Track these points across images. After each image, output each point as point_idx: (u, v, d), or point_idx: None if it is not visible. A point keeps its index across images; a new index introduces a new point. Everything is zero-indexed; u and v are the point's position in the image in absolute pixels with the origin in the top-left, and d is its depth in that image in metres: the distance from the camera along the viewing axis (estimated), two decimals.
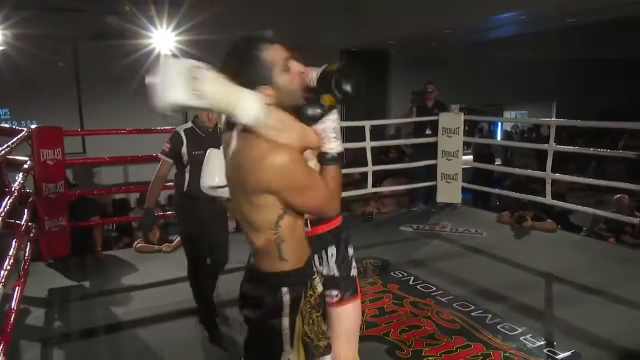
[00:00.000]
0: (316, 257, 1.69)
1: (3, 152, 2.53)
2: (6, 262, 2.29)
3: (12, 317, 2.38)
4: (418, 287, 3.43)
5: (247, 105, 1.16)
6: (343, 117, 8.25)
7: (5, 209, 2.24)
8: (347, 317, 1.75)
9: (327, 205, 1.29)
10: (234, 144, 1.28)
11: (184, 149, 2.74)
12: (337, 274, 1.73)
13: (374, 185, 5.30)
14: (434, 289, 3.38)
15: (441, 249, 4.28)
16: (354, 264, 1.78)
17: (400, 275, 3.64)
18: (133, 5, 6.02)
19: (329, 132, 1.30)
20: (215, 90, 1.15)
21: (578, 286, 3.39)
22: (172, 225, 5.30)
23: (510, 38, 8.22)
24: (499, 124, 10.93)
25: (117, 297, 3.46)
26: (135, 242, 4.45)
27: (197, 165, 2.56)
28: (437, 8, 6.13)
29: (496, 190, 5.62)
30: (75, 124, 6.24)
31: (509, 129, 10.86)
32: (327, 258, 1.73)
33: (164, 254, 4.24)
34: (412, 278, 3.58)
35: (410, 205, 5.86)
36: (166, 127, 5.94)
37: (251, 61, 1.22)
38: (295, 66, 1.30)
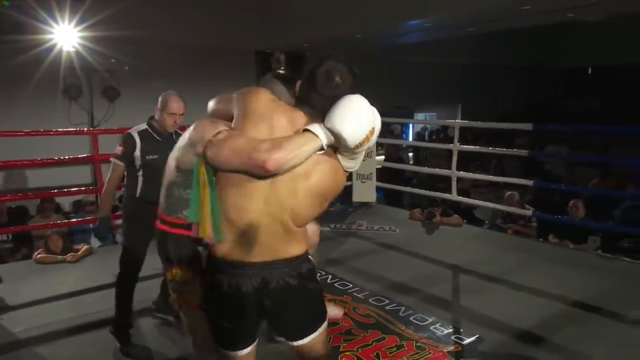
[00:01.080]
0: None
1: None
2: None
3: None
4: (336, 285, 3.50)
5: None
6: None
7: None
8: None
9: None
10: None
11: (137, 152, 2.61)
12: None
13: None
14: (351, 285, 3.47)
15: (357, 247, 4.40)
16: None
17: (319, 275, 3.66)
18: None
19: None
20: None
21: (482, 276, 3.65)
22: (78, 233, 4.97)
23: (419, 43, 8.65)
24: (410, 125, 11.45)
25: (15, 313, 3.17)
26: (36, 253, 4.11)
27: (150, 169, 2.56)
28: (349, 13, 6.30)
29: (407, 189, 5.89)
30: None
31: (420, 131, 11.40)
32: None
33: (68, 264, 3.95)
34: (330, 277, 3.65)
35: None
36: (69, 129, 5.57)
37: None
38: None
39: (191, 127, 1.79)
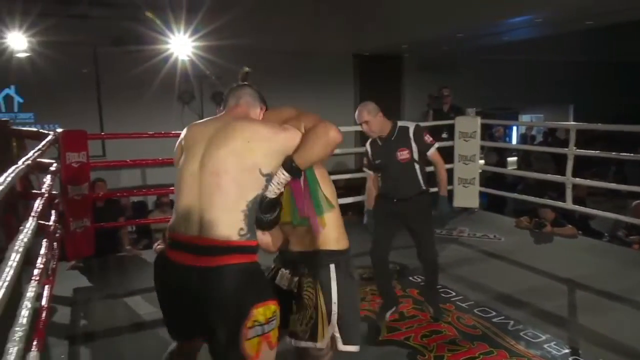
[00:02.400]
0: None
1: (35, 155, 2.57)
2: (38, 261, 2.33)
3: (44, 315, 2.42)
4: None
5: None
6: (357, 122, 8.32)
7: (38, 211, 2.28)
8: None
9: None
10: None
11: (370, 159, 3.06)
12: None
13: None
14: (454, 294, 3.36)
15: (459, 254, 4.25)
16: None
17: (420, 280, 3.62)
18: (151, 11, 6.11)
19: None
20: None
21: (601, 293, 3.34)
22: None
23: (525, 40, 8.16)
24: (514, 128, 10.84)
25: (139, 297, 3.49)
26: (156, 244, 4.48)
27: (380, 171, 3.04)
28: (449, 12, 6.10)
29: (515, 195, 5.55)
30: (95, 128, 6.32)
31: (526, 133, 10.75)
32: None
33: None
34: None
35: None
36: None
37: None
38: None
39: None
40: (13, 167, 2.06)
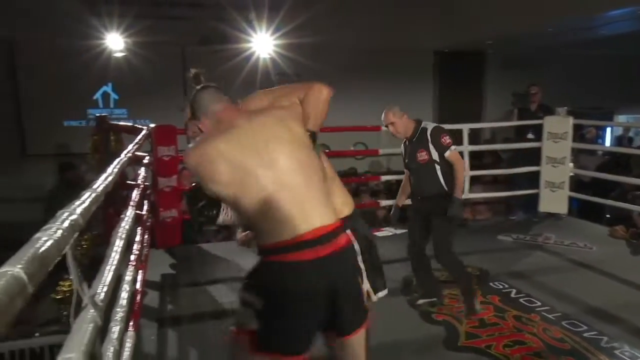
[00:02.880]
0: None
1: (133, 148, 2.78)
2: (135, 248, 2.52)
3: (139, 297, 2.61)
4: (521, 300, 3.25)
5: None
6: (435, 119, 8.13)
7: (136, 200, 2.46)
8: None
9: None
10: None
11: (403, 158, 3.24)
12: None
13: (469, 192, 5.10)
14: (539, 304, 3.19)
15: (545, 262, 4.02)
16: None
17: (501, 287, 3.48)
18: (234, 11, 6.33)
19: None
20: None
21: None
22: None
23: (623, 35, 7.52)
24: (608, 129, 10.05)
25: (221, 285, 3.64)
26: (239, 234, 4.67)
27: (409, 170, 3.21)
28: (539, 5, 5.76)
29: (611, 202, 5.13)
30: (181, 123, 6.67)
31: (625, 135, 9.95)
32: None
33: None
34: (515, 290, 3.40)
35: (507, 213, 5.58)
36: None
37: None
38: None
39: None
40: (118, 159, 2.24)
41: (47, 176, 6.06)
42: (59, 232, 1.08)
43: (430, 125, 3.09)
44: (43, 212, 5.14)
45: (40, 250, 0.91)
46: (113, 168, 2.05)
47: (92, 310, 1.24)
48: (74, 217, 1.22)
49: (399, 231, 4.89)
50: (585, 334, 2.77)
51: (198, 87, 1.68)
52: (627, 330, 2.82)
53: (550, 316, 3.01)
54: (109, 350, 1.45)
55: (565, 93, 8.03)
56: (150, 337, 2.90)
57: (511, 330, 2.85)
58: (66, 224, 1.15)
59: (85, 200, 1.43)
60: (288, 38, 6.33)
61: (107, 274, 1.56)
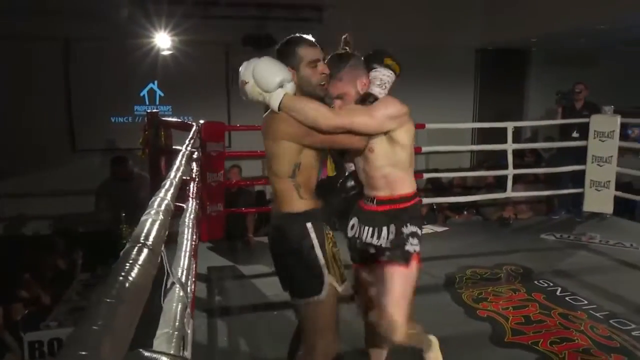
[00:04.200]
0: (369, 228, 1.92)
1: (189, 143, 2.93)
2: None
3: (193, 287, 2.76)
4: (567, 298, 3.26)
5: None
6: (475, 117, 8.06)
7: (195, 193, 2.62)
8: (395, 281, 1.83)
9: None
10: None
11: None
12: (386, 245, 1.87)
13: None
14: (585, 302, 3.19)
15: (590, 261, 4.00)
16: (412, 240, 1.86)
17: (546, 285, 3.49)
18: (281, 10, 6.45)
19: (376, 80, 1.83)
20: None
21: None
22: None
23: None
24: None
25: (265, 279, 3.76)
26: None
27: None
28: (592, 1, 5.66)
29: None
30: (223, 120, 6.87)
31: None
32: (382, 233, 1.89)
33: None
34: (560, 289, 3.41)
35: (549, 213, 5.53)
36: None
37: (289, 52, 1.76)
38: (321, 67, 1.76)
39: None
40: (181, 153, 2.40)
41: (95, 170, 6.36)
42: (161, 213, 1.22)
43: None
44: (94, 204, 5.42)
45: (157, 227, 1.05)
46: (180, 162, 2.19)
47: (179, 289, 1.38)
48: (166, 201, 1.36)
49: (440, 229, 4.93)
50: (634, 333, 2.77)
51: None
52: None
53: (597, 314, 3.01)
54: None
55: (616, 91, 7.85)
56: (200, 327, 3.03)
57: (557, 327, 2.87)
58: (163, 207, 1.29)
59: (169, 187, 1.57)
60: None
61: (184, 260, 1.70)
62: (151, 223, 1.09)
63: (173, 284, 1.36)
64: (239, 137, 6.96)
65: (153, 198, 1.36)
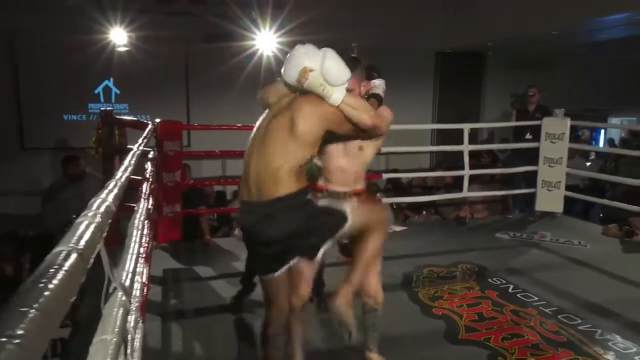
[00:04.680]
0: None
1: (142, 142, 2.85)
2: (143, 241, 2.58)
3: (145, 291, 2.68)
4: (518, 295, 3.36)
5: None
6: (434, 119, 8.23)
7: (147, 194, 2.54)
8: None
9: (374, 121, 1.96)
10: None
11: None
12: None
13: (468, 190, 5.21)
14: (536, 298, 3.30)
15: (541, 259, 4.14)
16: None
17: (499, 282, 3.58)
18: (238, 8, 6.40)
19: (380, 87, 2.12)
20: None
21: None
22: None
23: (621, 39, 7.66)
24: (602, 131, 10.21)
25: (224, 281, 3.72)
26: (236, 231, 4.76)
27: None
28: (545, 8, 5.87)
29: (605, 201, 5.27)
30: (182, 119, 6.73)
31: (618, 137, 10.11)
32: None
33: None
34: (512, 286, 3.51)
35: (504, 212, 5.70)
36: None
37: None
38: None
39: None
40: (131, 153, 2.32)
41: (45, 170, 6.11)
42: (98, 216, 1.16)
43: None
44: (40, 205, 5.20)
45: (89, 232, 1.00)
46: (129, 160, 2.12)
47: (121, 294, 1.33)
48: (107, 203, 1.30)
49: (398, 228, 4.99)
50: (580, 327, 2.88)
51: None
52: (620, 323, 2.94)
53: (546, 310, 3.12)
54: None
55: (568, 95, 8.18)
56: (153, 332, 2.96)
57: (508, 323, 2.95)
58: (102, 209, 1.24)
59: (112, 188, 1.51)
60: (291, 36, 6.40)
61: (130, 263, 1.64)
62: (86, 226, 1.03)
63: (115, 288, 1.31)
64: (199, 136, 6.86)
65: (93, 199, 1.30)
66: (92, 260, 0.97)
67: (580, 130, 8.37)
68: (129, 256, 1.69)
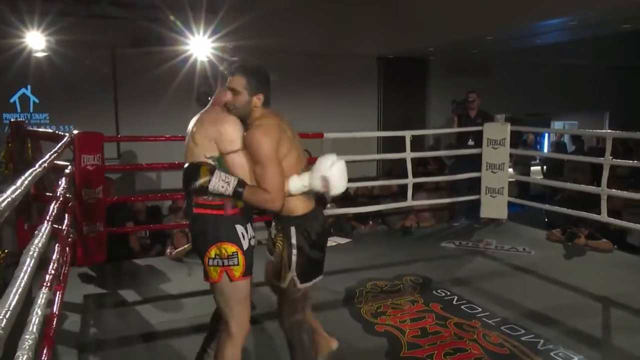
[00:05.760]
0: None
1: (51, 158, 2.63)
2: (50, 267, 2.37)
3: (55, 322, 2.46)
4: (462, 307, 3.35)
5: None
6: (380, 126, 8.29)
7: (53, 214, 2.33)
8: None
9: None
10: None
11: None
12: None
13: (413, 199, 5.23)
14: (480, 310, 3.30)
15: (486, 268, 4.19)
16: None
17: (443, 294, 3.57)
18: (170, 12, 6.20)
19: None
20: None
21: (637, 312, 3.25)
22: None
23: (559, 44, 8.04)
24: (546, 135, 10.67)
25: (151, 305, 3.52)
26: (168, 250, 4.54)
27: None
28: (479, 13, 6.05)
29: (547, 207, 5.44)
30: (111, 130, 6.42)
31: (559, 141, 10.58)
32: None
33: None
34: (456, 297, 3.51)
35: (450, 220, 5.77)
36: None
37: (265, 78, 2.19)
38: None
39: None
40: (30, 170, 2.11)
41: None
42: None
43: None
44: None
45: None
46: (24, 180, 1.92)
47: None
48: None
49: (343, 241, 4.93)
50: (523, 338, 2.90)
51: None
52: (563, 332, 2.98)
53: (490, 322, 3.12)
54: None
55: (508, 100, 8.48)
56: None
57: (452, 338, 2.93)
58: None
59: None
60: (227, 40, 6.25)
61: (13, 298, 1.46)
62: None
63: None
64: (132, 147, 6.56)
65: None
66: None
67: (525, 134, 8.71)
68: (14, 290, 1.51)
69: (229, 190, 1.97)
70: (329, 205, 5.41)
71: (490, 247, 4.67)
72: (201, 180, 1.96)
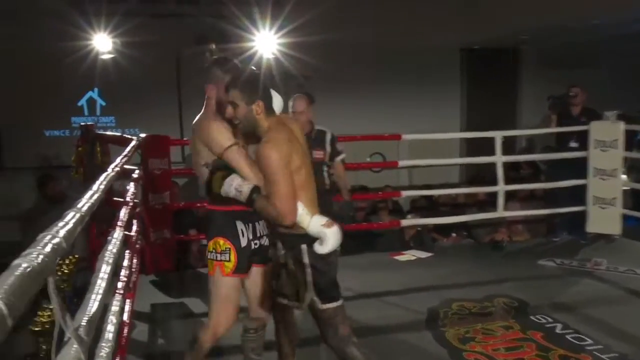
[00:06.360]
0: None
1: (121, 161, 2.79)
2: (122, 274, 2.51)
3: (126, 331, 2.60)
4: (568, 337, 3.19)
5: None
6: (463, 126, 8.10)
7: (124, 220, 2.47)
8: None
9: None
10: None
11: None
12: None
13: (504, 209, 5.05)
14: (590, 342, 3.12)
15: (596, 292, 3.97)
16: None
17: (544, 321, 3.42)
18: (236, 8, 6.41)
19: None
20: None
21: None
22: None
23: None
24: None
25: None
26: None
27: None
28: None
29: None
30: (175, 132, 6.72)
31: None
32: None
33: None
34: (560, 326, 3.35)
35: (549, 234, 5.52)
36: None
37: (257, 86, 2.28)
38: None
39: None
40: (104, 174, 2.25)
41: (25, 191, 6.11)
42: (41, 257, 1.08)
43: (323, 127, 3.96)
44: (21, 231, 5.19)
45: (21, 279, 0.91)
46: (99, 184, 2.05)
47: (76, 345, 1.24)
48: (56, 240, 1.22)
49: (423, 255, 4.86)
50: None
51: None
52: None
53: (604, 357, 2.94)
54: None
55: (619, 94, 7.96)
56: None
57: None
58: (48, 248, 1.15)
59: (69, 221, 1.43)
60: (294, 36, 6.38)
61: (93, 304, 1.56)
62: (22, 272, 0.95)
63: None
64: None
65: (40, 235, 1.22)
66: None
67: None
68: (94, 296, 1.61)
69: (242, 198, 2.16)
70: (408, 216, 5.36)
71: (601, 268, 4.41)
72: (216, 191, 2.21)
